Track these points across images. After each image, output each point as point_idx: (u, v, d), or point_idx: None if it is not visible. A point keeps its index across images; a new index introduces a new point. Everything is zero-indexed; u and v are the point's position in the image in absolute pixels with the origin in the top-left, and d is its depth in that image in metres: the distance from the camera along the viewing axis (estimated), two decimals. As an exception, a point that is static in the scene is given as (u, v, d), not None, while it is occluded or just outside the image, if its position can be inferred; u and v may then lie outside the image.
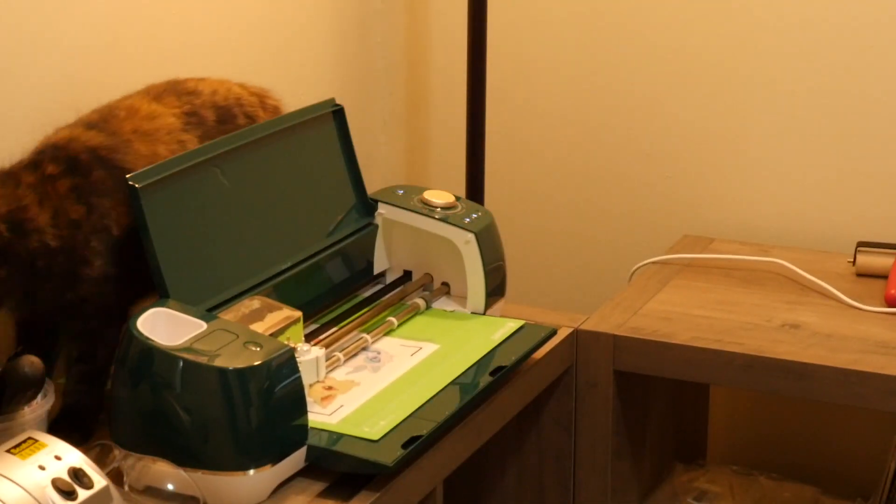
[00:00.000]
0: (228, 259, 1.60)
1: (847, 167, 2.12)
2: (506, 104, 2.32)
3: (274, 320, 1.51)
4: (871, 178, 2.10)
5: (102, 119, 1.57)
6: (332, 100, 1.79)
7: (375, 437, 1.44)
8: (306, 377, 1.49)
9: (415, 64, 2.40)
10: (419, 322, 1.74)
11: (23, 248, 1.42)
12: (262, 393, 1.38)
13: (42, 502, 1.23)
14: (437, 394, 1.55)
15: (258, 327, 1.48)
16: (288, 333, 1.52)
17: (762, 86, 2.14)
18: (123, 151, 1.53)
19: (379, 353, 1.65)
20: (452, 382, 1.58)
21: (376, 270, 1.81)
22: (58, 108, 1.70)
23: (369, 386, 1.56)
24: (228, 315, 1.50)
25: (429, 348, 1.66)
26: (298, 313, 1.54)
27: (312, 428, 1.44)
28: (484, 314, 1.77)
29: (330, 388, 1.55)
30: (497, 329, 1.72)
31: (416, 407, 1.52)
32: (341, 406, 1.51)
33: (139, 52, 1.81)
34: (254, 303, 1.54)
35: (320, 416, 1.49)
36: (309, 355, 1.52)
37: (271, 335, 1.48)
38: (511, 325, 1.73)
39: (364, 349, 1.65)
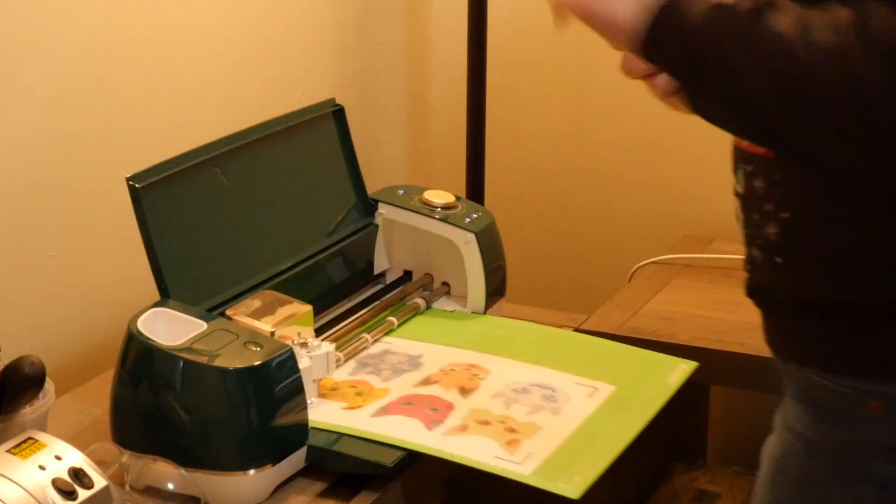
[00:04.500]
0: (228, 259, 1.60)
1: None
2: (506, 104, 2.31)
3: (284, 314, 1.51)
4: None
5: None
6: (333, 100, 1.79)
7: (575, 496, 1.38)
8: (317, 372, 1.49)
9: (415, 64, 2.40)
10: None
11: None
12: (262, 393, 1.38)
13: (42, 502, 1.23)
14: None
15: (268, 321, 1.48)
16: (298, 328, 1.51)
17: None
18: None
19: (554, 390, 1.57)
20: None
21: (376, 270, 1.81)
22: (58, 108, 1.71)
23: (553, 431, 1.48)
24: (238, 309, 1.50)
25: (604, 390, 1.57)
26: (308, 307, 1.54)
27: (312, 428, 1.44)
28: (484, 314, 1.77)
29: (512, 429, 1.48)
30: (671, 370, 1.62)
31: (609, 462, 1.44)
32: (530, 454, 1.44)
33: (139, 52, 1.81)
34: (262, 298, 1.54)
35: (510, 463, 1.42)
36: (319, 350, 1.51)
37: (281, 327, 1.48)
38: (685, 368, 1.63)
39: (538, 386, 1.58)
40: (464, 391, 1.55)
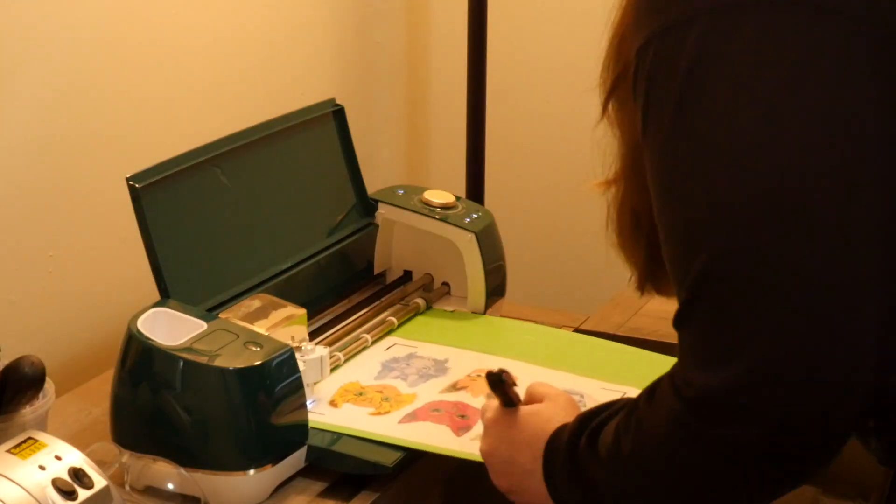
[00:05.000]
0: (228, 259, 1.60)
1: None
2: (506, 104, 2.32)
3: (278, 318, 1.51)
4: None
5: None
6: (333, 100, 1.79)
7: None
8: (311, 376, 1.49)
9: (415, 64, 2.40)
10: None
11: None
12: (262, 393, 1.38)
13: (42, 502, 1.23)
14: None
15: (262, 325, 1.48)
16: (292, 331, 1.51)
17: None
18: None
19: (582, 396, 1.55)
20: None
21: (376, 270, 1.81)
22: (58, 108, 1.71)
23: None
24: (232, 313, 1.49)
25: (633, 394, 1.55)
26: (302, 310, 1.54)
27: (312, 428, 1.44)
28: (484, 314, 1.77)
29: None
30: None
31: None
32: None
33: (139, 52, 1.81)
34: (256, 301, 1.53)
35: None
36: (313, 354, 1.51)
37: (276, 332, 1.48)
38: None
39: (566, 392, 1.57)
40: (492, 398, 1.54)
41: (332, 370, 1.59)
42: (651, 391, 1.12)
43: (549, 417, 1.26)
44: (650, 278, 1.27)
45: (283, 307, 1.53)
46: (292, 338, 1.49)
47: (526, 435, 1.26)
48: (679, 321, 1.07)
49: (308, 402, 1.47)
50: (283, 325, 1.50)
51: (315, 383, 1.52)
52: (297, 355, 1.45)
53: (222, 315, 1.48)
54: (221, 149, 1.61)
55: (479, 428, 1.46)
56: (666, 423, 1.07)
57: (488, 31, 2.16)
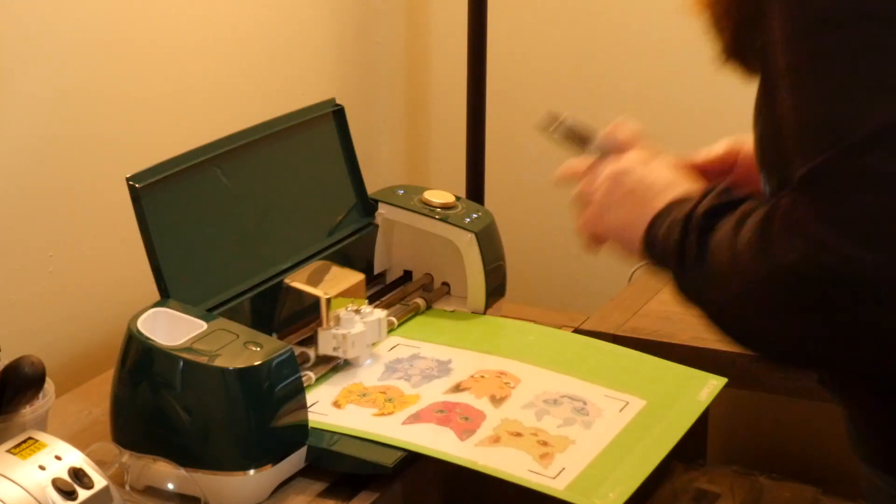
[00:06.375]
0: (228, 259, 1.60)
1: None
2: (506, 104, 2.31)
3: (339, 281, 1.60)
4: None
5: None
6: (333, 100, 1.79)
7: None
8: (371, 336, 1.58)
9: (415, 64, 2.40)
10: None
11: None
12: (262, 393, 1.38)
13: (42, 502, 1.23)
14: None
15: (324, 288, 1.57)
16: (352, 295, 1.59)
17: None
18: None
19: (585, 403, 1.55)
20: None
21: (376, 270, 1.81)
22: (58, 108, 1.71)
23: (586, 446, 1.47)
24: (297, 275, 1.60)
25: (635, 404, 1.55)
26: (361, 275, 1.62)
27: (314, 428, 1.44)
28: (484, 314, 1.77)
29: (545, 442, 1.46)
30: (701, 386, 1.61)
31: (643, 479, 1.43)
32: (563, 469, 1.42)
33: (139, 52, 1.82)
34: (320, 265, 1.64)
35: (544, 477, 1.40)
36: (373, 316, 1.59)
37: (337, 295, 1.57)
38: (715, 384, 1.61)
39: (569, 398, 1.56)
40: (495, 400, 1.54)
41: (333, 370, 1.59)
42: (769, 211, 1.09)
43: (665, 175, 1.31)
44: (735, 54, 1.28)
45: (342, 272, 1.63)
46: (352, 301, 1.58)
47: (656, 175, 1.32)
48: (808, 181, 1.04)
49: (310, 402, 1.47)
50: (344, 288, 1.59)
51: (374, 344, 1.60)
52: (357, 317, 1.57)
53: (287, 279, 1.59)
54: (221, 149, 1.61)
55: (482, 433, 1.47)
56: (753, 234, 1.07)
57: (488, 31, 2.16)
